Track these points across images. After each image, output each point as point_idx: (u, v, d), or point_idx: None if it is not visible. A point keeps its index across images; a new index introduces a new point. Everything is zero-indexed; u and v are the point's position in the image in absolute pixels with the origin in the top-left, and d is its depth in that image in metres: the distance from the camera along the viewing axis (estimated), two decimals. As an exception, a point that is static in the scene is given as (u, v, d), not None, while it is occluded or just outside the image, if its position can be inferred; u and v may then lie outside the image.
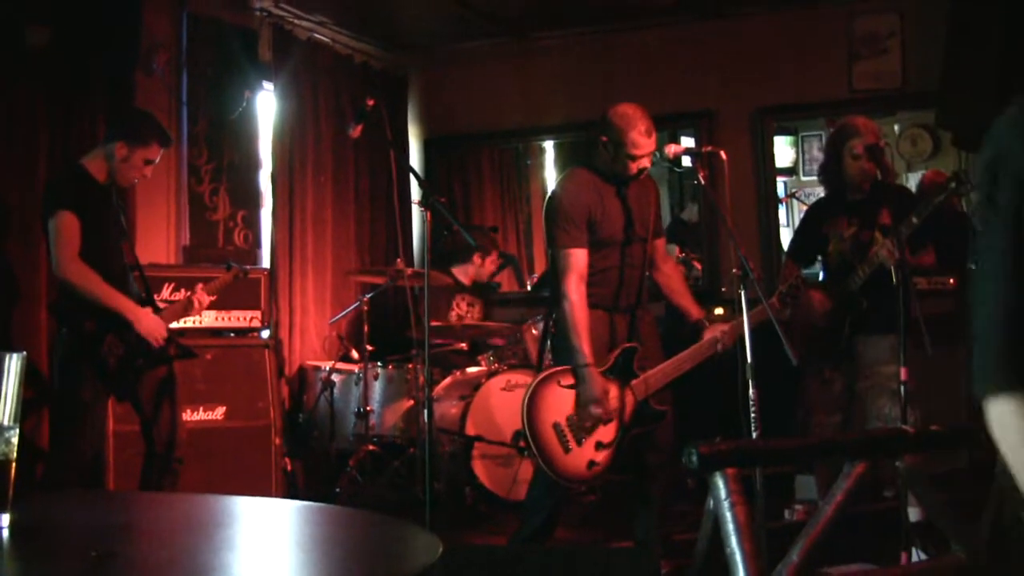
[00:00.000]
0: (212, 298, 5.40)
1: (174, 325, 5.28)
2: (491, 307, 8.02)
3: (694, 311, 4.92)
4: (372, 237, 8.41)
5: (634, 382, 4.74)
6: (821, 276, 5.74)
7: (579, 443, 4.62)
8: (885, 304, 4.77)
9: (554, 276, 4.83)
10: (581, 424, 4.62)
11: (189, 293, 5.43)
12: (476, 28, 8.42)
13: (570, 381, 4.66)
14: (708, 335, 4.75)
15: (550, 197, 4.91)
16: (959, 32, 7.16)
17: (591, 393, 4.59)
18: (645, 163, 4.74)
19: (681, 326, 5.01)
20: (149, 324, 4.97)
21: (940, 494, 3.19)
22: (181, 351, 5.18)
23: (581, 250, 4.71)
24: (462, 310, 7.67)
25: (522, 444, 6.06)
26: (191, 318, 5.81)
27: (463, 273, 7.76)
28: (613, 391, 4.68)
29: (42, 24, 5.75)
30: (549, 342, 4.98)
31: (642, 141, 4.66)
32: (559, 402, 4.66)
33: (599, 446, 4.65)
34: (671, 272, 5.11)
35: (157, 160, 5.14)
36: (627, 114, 4.69)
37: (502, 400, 6.55)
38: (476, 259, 7.72)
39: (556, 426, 4.63)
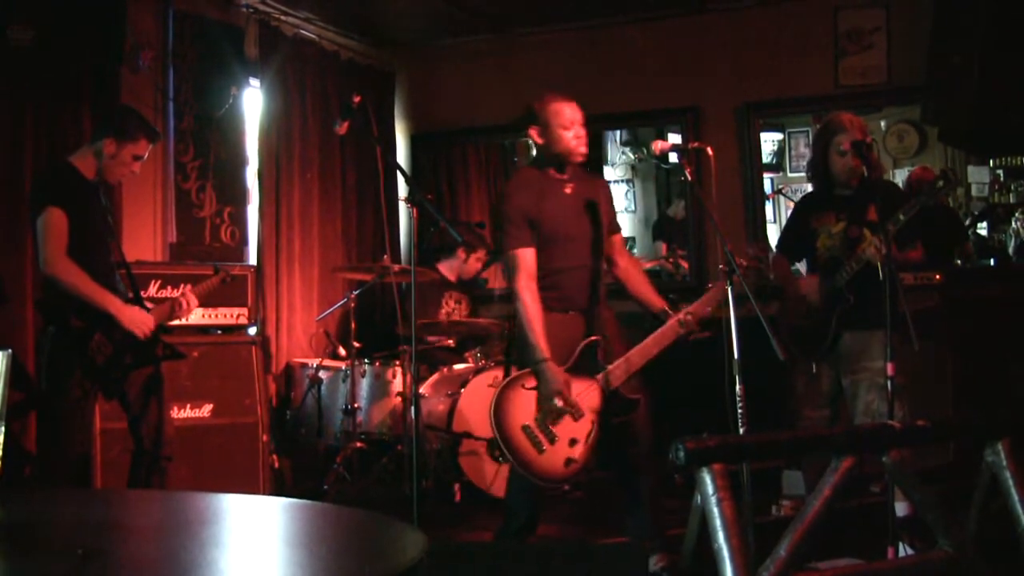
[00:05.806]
0: (198, 303, 5.34)
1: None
2: (478, 304, 8.01)
3: (656, 302, 4.90)
4: (359, 234, 8.39)
5: (600, 375, 4.71)
6: (805, 272, 5.74)
7: (552, 442, 4.59)
8: (872, 299, 4.78)
9: (507, 278, 4.82)
10: (547, 421, 4.60)
11: (176, 294, 5.39)
12: (462, 24, 8.43)
13: (534, 383, 4.62)
14: (671, 321, 4.74)
15: (496, 200, 4.91)
16: (944, 26, 7.18)
17: (550, 386, 4.55)
18: (580, 132, 4.76)
19: (646, 319, 5.00)
20: (132, 316, 4.93)
21: (927, 489, 3.20)
22: (169, 351, 5.16)
23: (527, 249, 4.70)
24: (450, 307, 7.65)
25: (496, 453, 6.07)
26: (178, 314, 5.79)
27: (448, 269, 7.74)
28: (577, 385, 4.63)
29: (25, 23, 5.73)
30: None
31: (564, 108, 4.73)
32: (526, 405, 4.62)
33: (573, 443, 4.60)
34: (628, 266, 5.09)
35: (145, 156, 5.11)
36: (540, 95, 4.79)
37: (489, 397, 6.50)
38: (460, 253, 7.69)
39: (526, 428, 4.58)
